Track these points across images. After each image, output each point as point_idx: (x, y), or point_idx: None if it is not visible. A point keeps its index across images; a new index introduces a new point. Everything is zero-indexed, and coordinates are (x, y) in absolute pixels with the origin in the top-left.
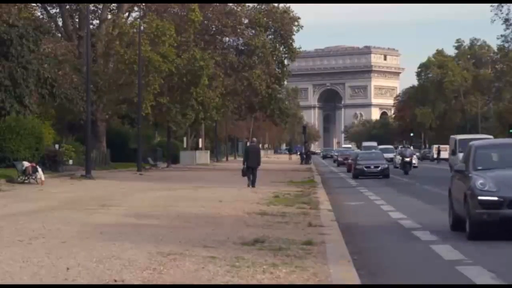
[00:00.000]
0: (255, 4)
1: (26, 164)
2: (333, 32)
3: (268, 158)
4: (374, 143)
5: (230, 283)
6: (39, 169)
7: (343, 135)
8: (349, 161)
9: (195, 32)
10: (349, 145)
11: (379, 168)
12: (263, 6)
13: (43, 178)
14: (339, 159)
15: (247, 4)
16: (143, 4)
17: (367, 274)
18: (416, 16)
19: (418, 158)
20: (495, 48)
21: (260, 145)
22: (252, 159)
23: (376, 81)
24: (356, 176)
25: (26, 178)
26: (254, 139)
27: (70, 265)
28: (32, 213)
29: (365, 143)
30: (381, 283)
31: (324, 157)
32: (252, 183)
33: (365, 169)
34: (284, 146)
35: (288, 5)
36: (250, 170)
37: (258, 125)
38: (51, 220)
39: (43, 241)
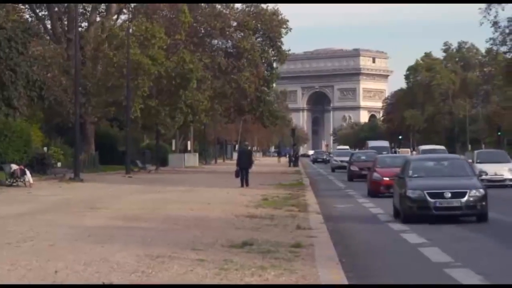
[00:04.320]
0: (244, 7)
1: (14, 166)
2: (322, 34)
3: (258, 161)
4: (385, 143)
5: None
6: (28, 172)
7: (331, 137)
8: (378, 174)
9: (185, 33)
10: (346, 146)
11: (465, 198)
12: (252, 8)
13: (31, 181)
14: (353, 168)
15: (235, 7)
16: (132, 6)
17: (355, 277)
18: (405, 19)
19: None
20: (483, 51)
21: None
22: (244, 161)
23: (364, 84)
24: (408, 217)
25: (14, 181)
26: (246, 142)
27: (59, 267)
28: (20, 216)
29: (372, 143)
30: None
31: (315, 160)
32: (246, 182)
33: (431, 200)
34: (273, 149)
35: (276, 7)
36: (244, 171)
37: (247, 127)
38: (40, 223)
39: (32, 244)
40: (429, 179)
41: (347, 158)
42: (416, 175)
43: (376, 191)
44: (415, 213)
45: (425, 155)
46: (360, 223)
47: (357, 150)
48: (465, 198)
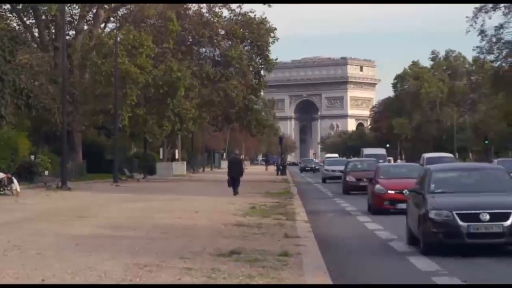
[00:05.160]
0: (232, 15)
1: (1, 175)
2: (309, 43)
3: (246, 169)
4: (382, 151)
5: None
6: (15, 180)
7: (319, 146)
8: (381, 186)
9: (172, 42)
10: (335, 154)
11: (509, 221)
12: (240, 17)
13: (18, 189)
14: (349, 179)
15: (223, 15)
16: (120, 15)
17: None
18: (392, 28)
19: None
20: (470, 60)
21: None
22: (235, 170)
23: (352, 92)
24: (430, 246)
25: (1, 189)
26: (237, 151)
27: (46, 276)
28: (7, 225)
29: (367, 151)
30: None
31: (303, 169)
32: (235, 191)
33: (463, 224)
34: (260, 157)
35: (264, 16)
36: (235, 180)
37: (235, 136)
38: (27, 232)
39: (19, 252)
40: (458, 196)
41: (340, 167)
42: (440, 190)
43: (378, 207)
44: (440, 241)
45: (450, 164)
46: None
47: (352, 158)
48: (509, 221)
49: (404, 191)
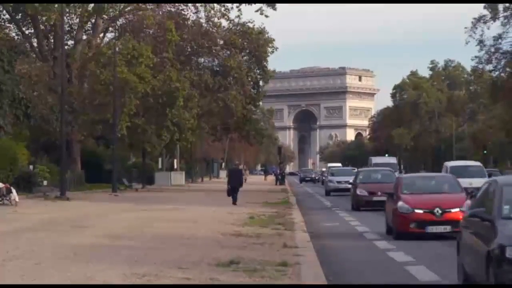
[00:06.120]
0: (230, 25)
1: (0, 185)
2: (308, 53)
3: (247, 179)
4: (392, 159)
5: None
6: (13, 190)
7: (318, 156)
8: (405, 204)
9: (171, 51)
10: (339, 164)
11: None
12: (238, 27)
13: (17, 199)
14: (360, 192)
15: (222, 25)
16: (118, 25)
17: None
18: (391, 37)
19: None
20: (469, 70)
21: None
22: (234, 180)
23: (351, 102)
24: None
25: (0, 199)
26: (237, 162)
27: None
28: (6, 235)
29: (375, 159)
30: None
31: (302, 180)
32: (234, 201)
33: None
34: (259, 167)
35: (263, 26)
36: (234, 190)
37: (234, 146)
38: (25, 242)
39: (17, 262)
40: None
41: (347, 178)
42: None
43: (402, 230)
44: None
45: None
46: None
47: (363, 168)
48: None
49: (435, 210)
